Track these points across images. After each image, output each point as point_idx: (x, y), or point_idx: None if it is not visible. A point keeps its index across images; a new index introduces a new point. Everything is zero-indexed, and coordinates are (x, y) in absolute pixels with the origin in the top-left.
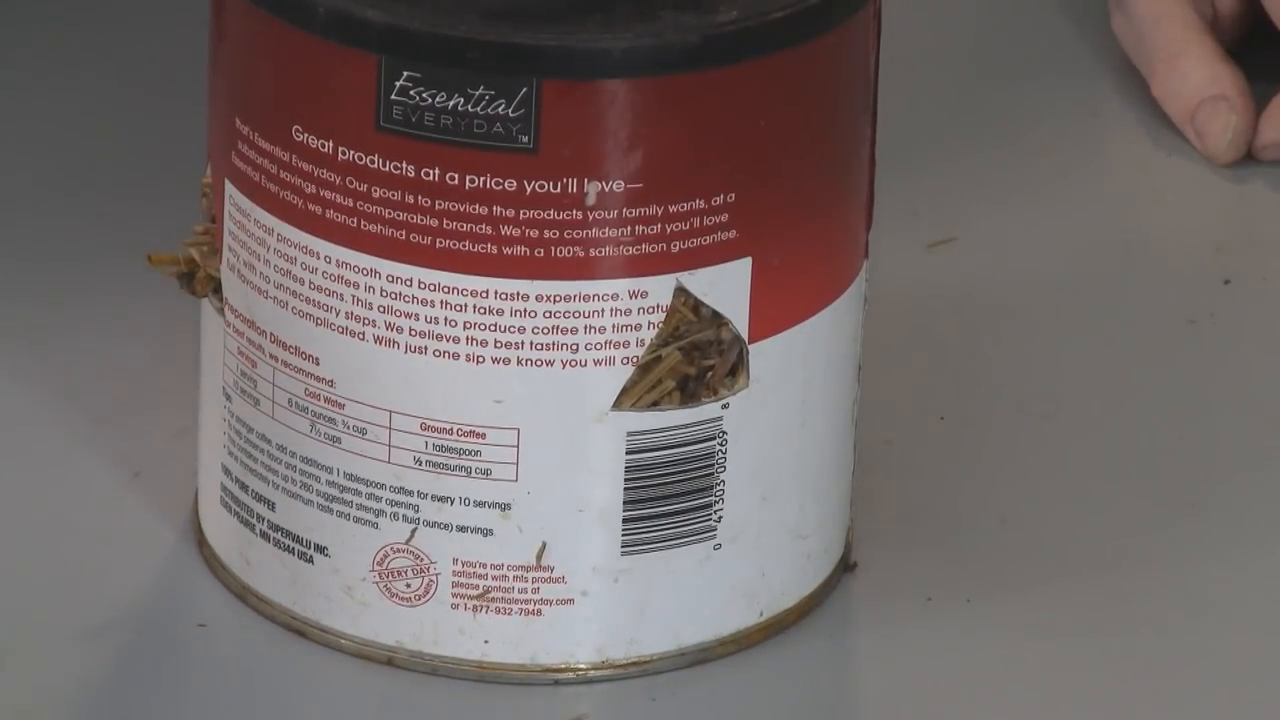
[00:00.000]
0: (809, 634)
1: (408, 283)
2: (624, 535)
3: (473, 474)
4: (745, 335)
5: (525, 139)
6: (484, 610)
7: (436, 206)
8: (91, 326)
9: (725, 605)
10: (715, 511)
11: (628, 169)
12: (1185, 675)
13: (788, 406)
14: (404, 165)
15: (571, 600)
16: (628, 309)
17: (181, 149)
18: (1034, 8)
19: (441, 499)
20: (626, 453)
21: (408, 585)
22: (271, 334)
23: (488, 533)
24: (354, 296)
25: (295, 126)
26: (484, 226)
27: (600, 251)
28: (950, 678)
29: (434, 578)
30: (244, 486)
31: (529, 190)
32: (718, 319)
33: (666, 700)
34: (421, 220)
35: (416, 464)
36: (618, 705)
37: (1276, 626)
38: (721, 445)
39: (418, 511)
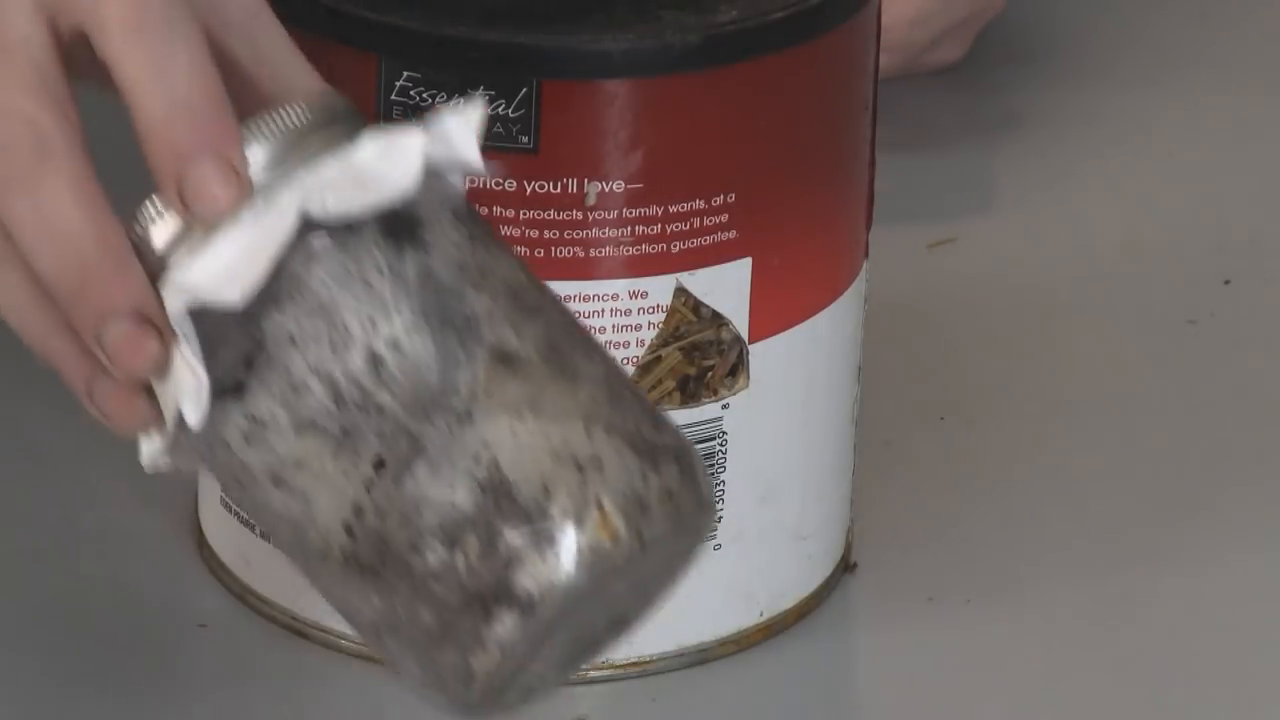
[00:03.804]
0: (809, 634)
1: None
2: None
3: None
4: (745, 335)
5: (525, 139)
6: None
7: None
8: None
9: (725, 605)
10: (715, 512)
11: (628, 169)
12: (1185, 675)
13: (788, 406)
14: None
15: None
16: (628, 309)
17: None
18: (1034, 7)
19: None
20: None
21: None
22: None
23: None
24: None
25: None
26: None
27: (600, 251)
28: (950, 678)
29: None
30: None
31: (529, 190)
32: (718, 319)
33: (666, 700)
34: None
35: None
36: (618, 705)
37: (1277, 626)
38: (721, 445)
39: None
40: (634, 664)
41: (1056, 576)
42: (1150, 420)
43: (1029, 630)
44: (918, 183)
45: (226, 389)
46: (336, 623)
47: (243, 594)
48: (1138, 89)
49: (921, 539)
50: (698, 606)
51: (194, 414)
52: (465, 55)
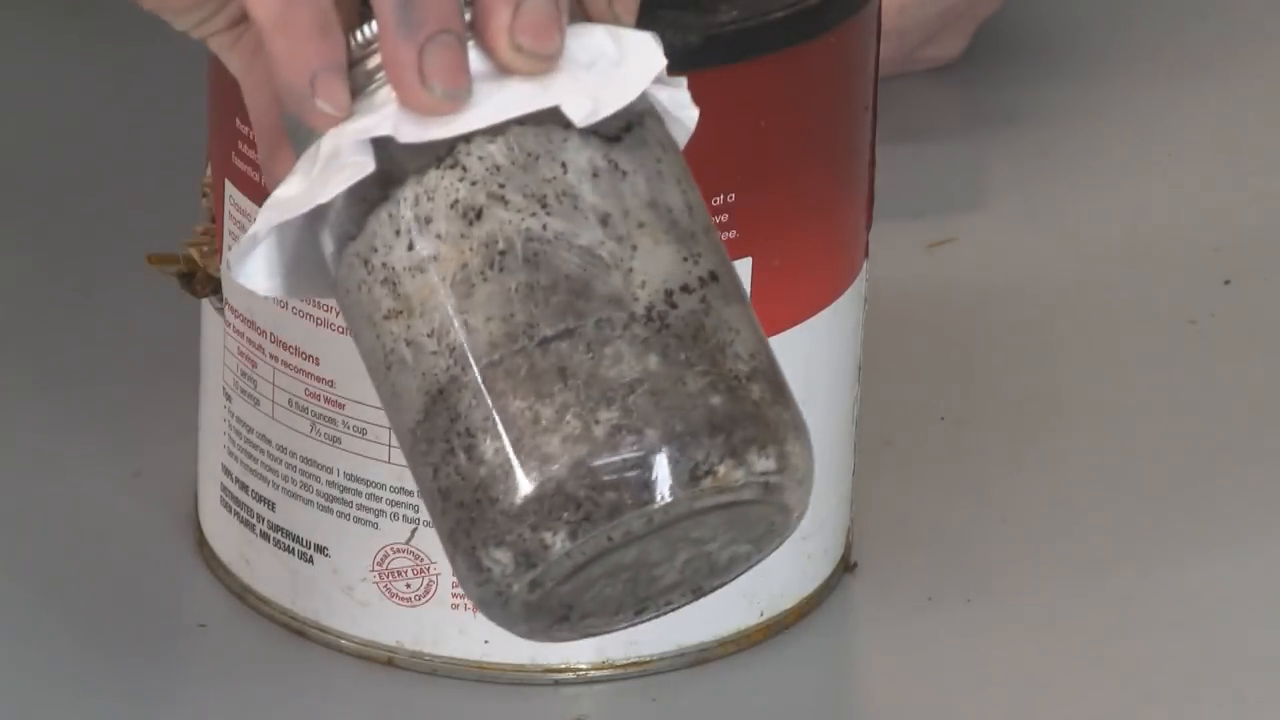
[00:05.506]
0: (809, 634)
1: None
2: None
3: None
4: None
5: None
6: None
7: None
8: (92, 327)
9: (725, 605)
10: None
11: None
12: (1185, 675)
13: None
14: None
15: None
16: None
17: (181, 149)
18: (1034, 4)
19: None
20: None
21: (408, 585)
22: (271, 334)
23: None
24: None
25: None
26: None
27: None
28: (950, 678)
29: (434, 578)
30: (244, 486)
31: None
32: None
33: (666, 700)
34: None
35: None
36: (618, 705)
37: (1276, 626)
38: None
39: (418, 511)
40: (634, 664)
41: (1056, 576)
42: (1150, 420)
43: (1029, 630)
44: (918, 181)
45: (609, 137)
46: (336, 623)
47: (243, 594)
48: (1138, 88)
49: (921, 539)
50: (698, 606)
51: (584, 110)
52: None
